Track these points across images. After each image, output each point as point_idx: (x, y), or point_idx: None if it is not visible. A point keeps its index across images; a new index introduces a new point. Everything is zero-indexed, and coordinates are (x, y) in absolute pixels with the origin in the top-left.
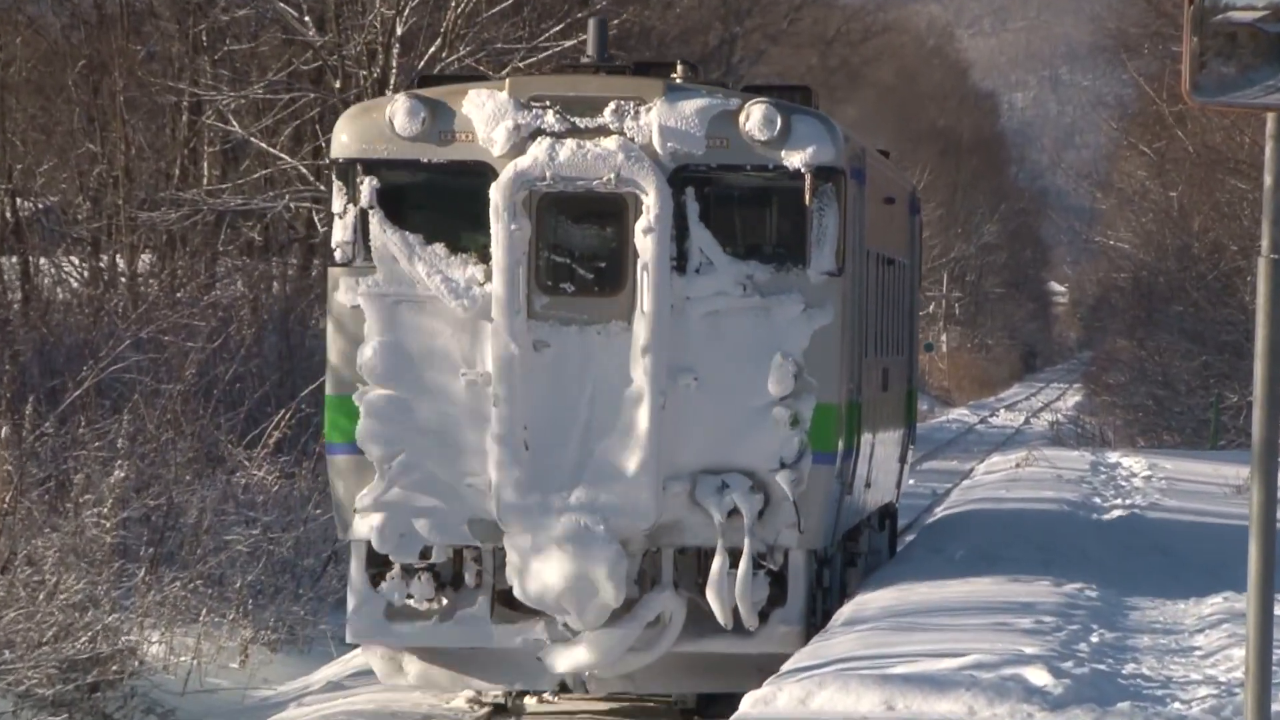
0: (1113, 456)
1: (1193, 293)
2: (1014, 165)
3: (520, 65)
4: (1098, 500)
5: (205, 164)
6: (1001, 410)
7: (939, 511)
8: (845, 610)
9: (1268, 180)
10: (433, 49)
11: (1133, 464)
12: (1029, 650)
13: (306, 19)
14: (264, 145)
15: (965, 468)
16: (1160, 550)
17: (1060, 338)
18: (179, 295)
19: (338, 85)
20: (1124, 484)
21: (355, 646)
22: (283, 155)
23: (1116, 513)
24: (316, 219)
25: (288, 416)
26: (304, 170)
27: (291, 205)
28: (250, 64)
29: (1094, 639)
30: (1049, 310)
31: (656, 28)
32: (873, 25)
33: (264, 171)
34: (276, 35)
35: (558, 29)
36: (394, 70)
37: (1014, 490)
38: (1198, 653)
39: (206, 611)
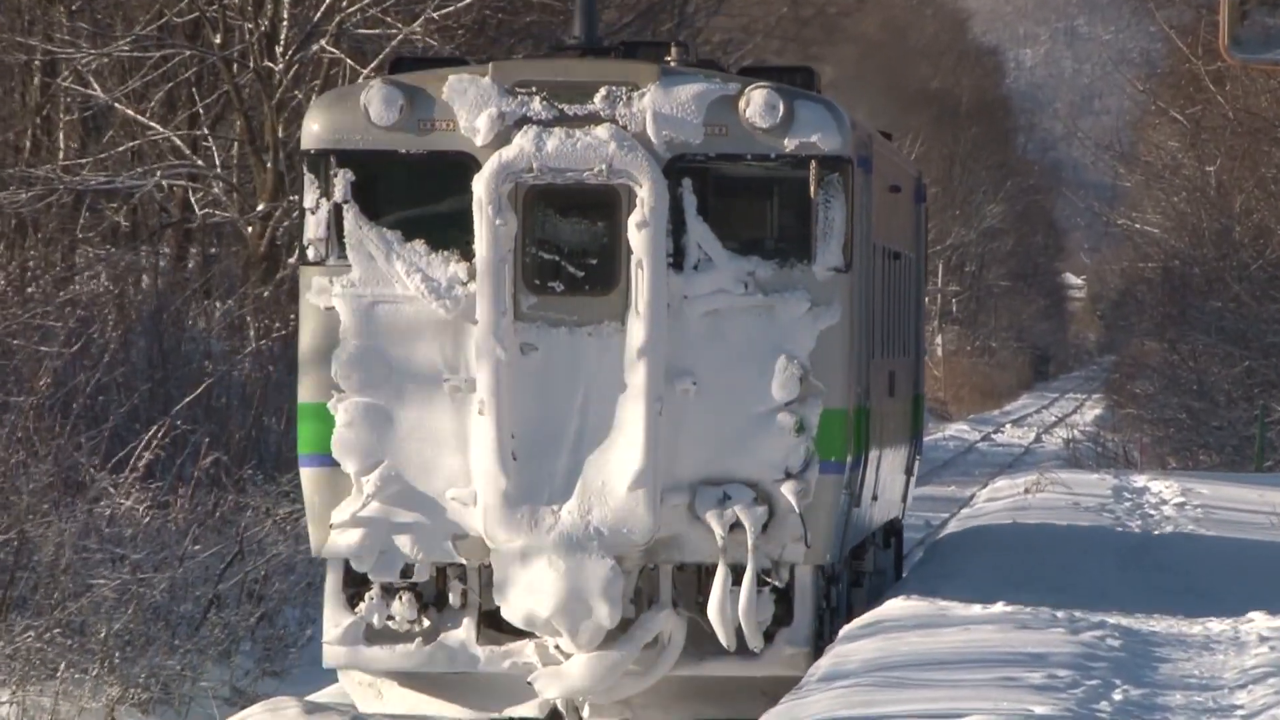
0: (1139, 480)
1: (1234, 286)
2: (1022, 134)
3: (434, 16)
4: (1121, 531)
5: (61, 135)
6: (1008, 426)
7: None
8: (823, 663)
9: None
10: None
11: (1163, 489)
12: (1040, 710)
13: None
14: (130, 112)
15: (965, 493)
16: (1195, 592)
17: (1077, 339)
18: (30, 291)
19: (218, 41)
20: (1153, 513)
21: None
22: (153, 124)
23: (1144, 547)
24: (193, 199)
25: (160, 435)
26: (178, 142)
27: (164, 184)
28: (114, 16)
29: (1117, 696)
30: (1063, 307)
31: None
32: None
33: (131, 144)
34: None
35: None
36: (284, 22)
37: (1023, 520)
38: (1239, 713)
39: (66, 666)
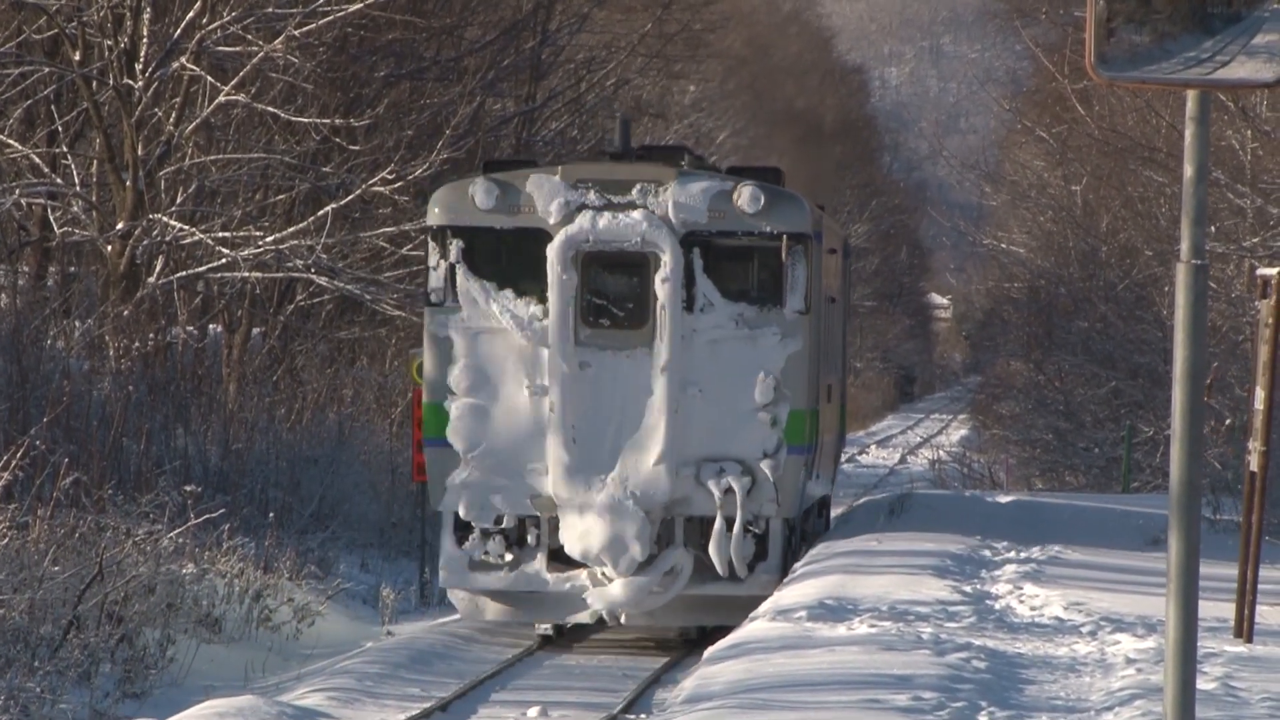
0: (1005, 500)
1: (1100, 306)
2: (887, 153)
3: (295, 33)
4: (987, 553)
5: None
6: (872, 447)
7: (798, 568)
8: (687, 685)
9: (1188, 171)
10: (191, 14)
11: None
12: None
13: None
14: None
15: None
16: (1059, 611)
17: (943, 360)
18: None
19: (77, 58)
20: None
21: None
22: (11, 141)
23: (1009, 568)
24: (52, 218)
25: (19, 455)
26: (37, 159)
27: (23, 202)
28: None
29: (983, 718)
30: (929, 327)
31: None
32: None
33: None
34: None
35: None
36: (144, 40)
37: (887, 542)
38: None
39: None
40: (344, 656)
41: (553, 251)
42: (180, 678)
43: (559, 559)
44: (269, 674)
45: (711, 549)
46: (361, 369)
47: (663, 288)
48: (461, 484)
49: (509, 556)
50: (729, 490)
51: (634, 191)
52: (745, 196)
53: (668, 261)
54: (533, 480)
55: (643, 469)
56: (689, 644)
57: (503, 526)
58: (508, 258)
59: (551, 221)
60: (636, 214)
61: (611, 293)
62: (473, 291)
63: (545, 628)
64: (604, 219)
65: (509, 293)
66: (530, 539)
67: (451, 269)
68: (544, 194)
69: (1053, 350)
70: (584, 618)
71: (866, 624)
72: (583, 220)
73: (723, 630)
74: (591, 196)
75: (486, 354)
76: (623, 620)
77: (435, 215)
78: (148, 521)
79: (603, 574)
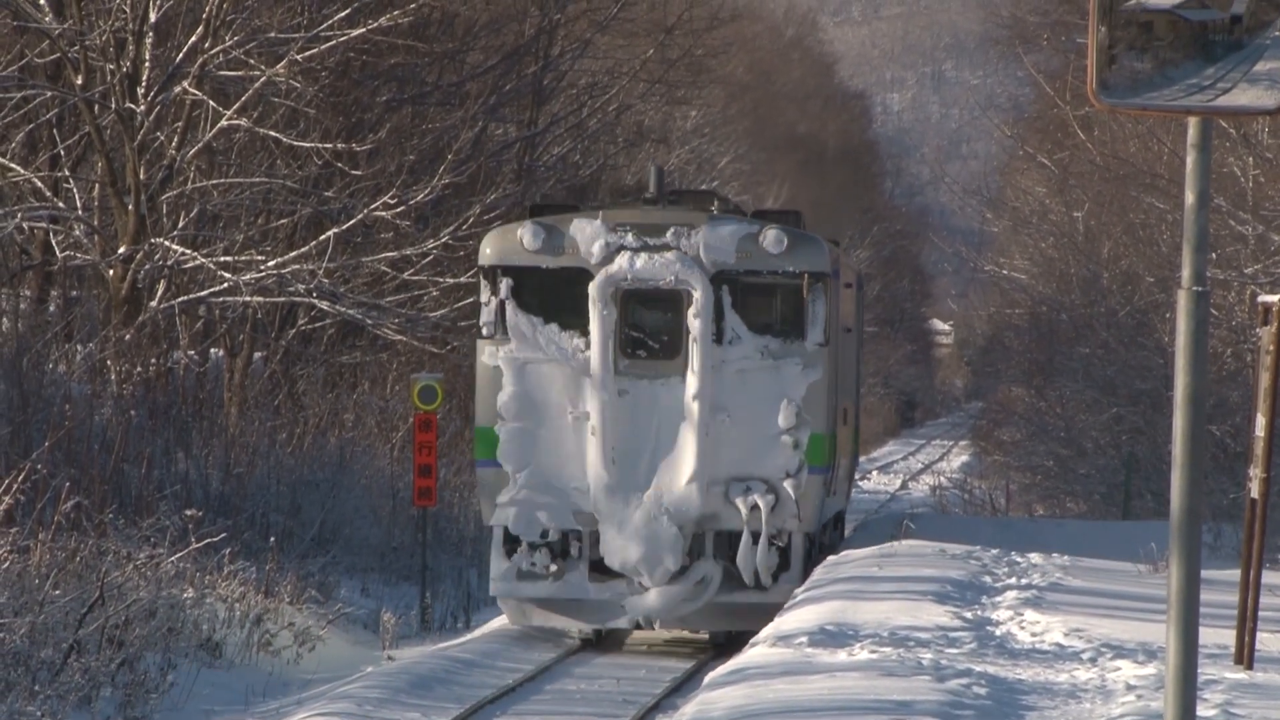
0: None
1: (1101, 332)
2: (889, 179)
3: (298, 58)
4: (988, 580)
5: None
6: (874, 472)
7: (799, 593)
8: (688, 711)
9: (1189, 198)
10: (193, 39)
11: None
12: None
13: (42, 2)
14: None
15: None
16: (1060, 638)
17: (944, 385)
18: None
19: (79, 82)
20: (1019, 560)
21: None
22: (14, 165)
23: (1010, 594)
24: (54, 242)
25: (21, 479)
26: (39, 183)
27: (25, 225)
28: None
29: None
30: (930, 353)
31: (461, 14)
32: (720, 11)
33: None
34: (5, 21)
35: (343, 15)
36: (146, 64)
37: (888, 568)
38: None
39: None
40: (344, 681)
41: (594, 289)
42: (181, 702)
43: (599, 569)
44: (269, 698)
45: (739, 560)
46: (362, 393)
47: (694, 322)
48: (510, 501)
49: (553, 567)
50: (755, 507)
51: (668, 234)
52: (770, 238)
53: (699, 298)
54: (576, 498)
55: (676, 487)
56: (697, 663)
57: (548, 540)
58: (553, 294)
59: (593, 261)
60: (670, 255)
61: (648, 326)
62: (521, 325)
63: (586, 632)
64: (641, 259)
65: (554, 326)
66: (573, 551)
67: (501, 305)
68: (586, 236)
69: (1054, 376)
70: (622, 623)
71: (867, 650)
72: (621, 260)
73: (747, 635)
74: (629, 238)
75: (533, 382)
76: (657, 626)
77: (487, 256)
78: (149, 545)
79: (639, 583)
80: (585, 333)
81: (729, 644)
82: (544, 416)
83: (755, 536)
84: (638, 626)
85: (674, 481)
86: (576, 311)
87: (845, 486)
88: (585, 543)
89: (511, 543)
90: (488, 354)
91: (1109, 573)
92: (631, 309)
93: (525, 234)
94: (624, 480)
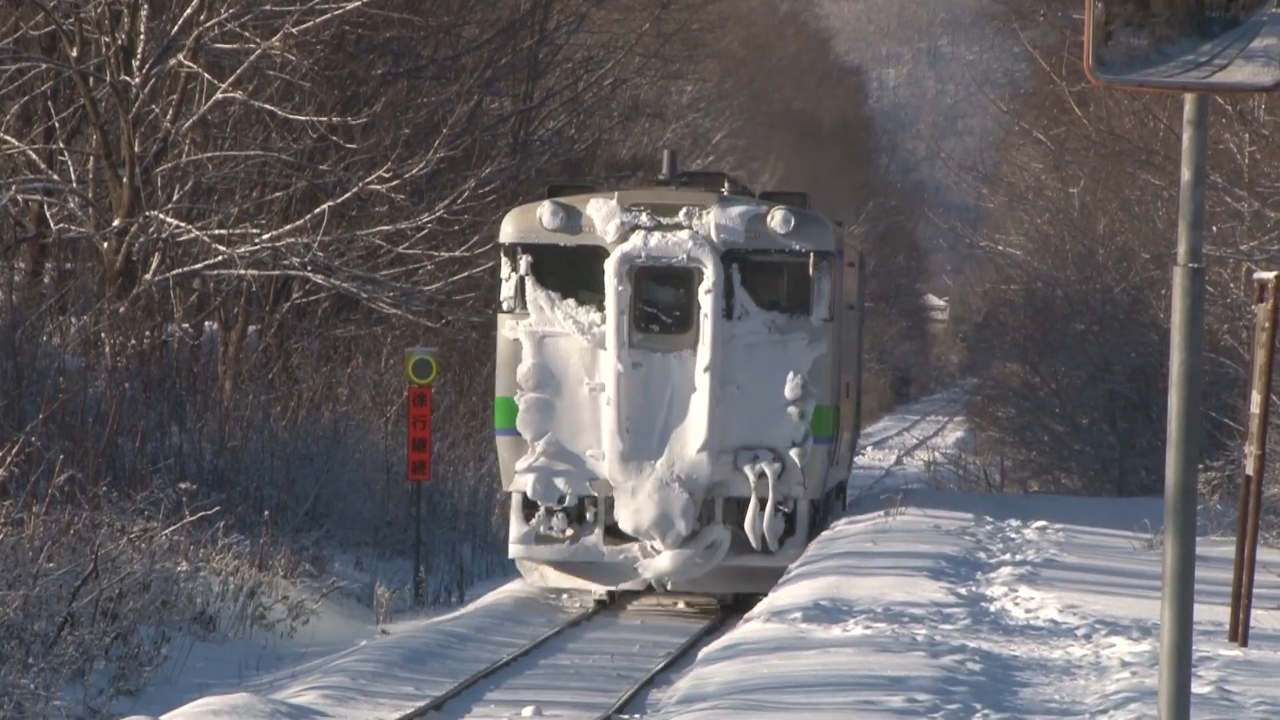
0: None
1: (1097, 308)
2: (884, 155)
3: (293, 31)
4: (982, 556)
5: None
6: (868, 448)
7: (793, 569)
8: (682, 686)
9: (1185, 174)
10: (188, 11)
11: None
12: None
13: None
14: None
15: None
16: (1054, 614)
17: (939, 361)
18: None
19: (74, 54)
20: (1014, 536)
21: None
22: (8, 138)
23: (1005, 570)
24: (49, 214)
25: (15, 451)
26: (34, 156)
27: (19, 198)
28: None
29: None
30: (925, 329)
31: None
32: None
33: None
34: None
35: None
36: (141, 36)
37: (882, 544)
38: None
39: None
40: (338, 655)
41: (610, 266)
42: (174, 675)
43: (614, 534)
44: (263, 672)
45: (747, 525)
46: (357, 367)
47: (705, 298)
48: (529, 468)
49: (570, 531)
50: (762, 475)
51: (681, 214)
52: (777, 219)
53: (710, 275)
54: (591, 465)
55: (687, 455)
56: (691, 638)
57: (564, 505)
58: (570, 271)
59: (609, 240)
60: (683, 234)
61: (661, 302)
62: (539, 300)
63: (601, 594)
64: (654, 238)
65: (571, 301)
66: (589, 516)
67: (521, 281)
68: (602, 216)
69: (1049, 353)
70: (635, 585)
71: (861, 625)
72: (636, 239)
73: (755, 598)
74: (644, 218)
75: (551, 355)
76: (669, 587)
77: (507, 234)
78: (143, 519)
79: (652, 547)
80: (601, 308)
81: (724, 619)
82: (561, 387)
83: (762, 503)
84: (649, 589)
85: (685, 450)
86: (593, 287)
87: (847, 457)
88: (600, 508)
89: (529, 507)
90: (508, 327)
91: (1103, 549)
92: (645, 285)
93: (544, 213)
94: (638, 448)
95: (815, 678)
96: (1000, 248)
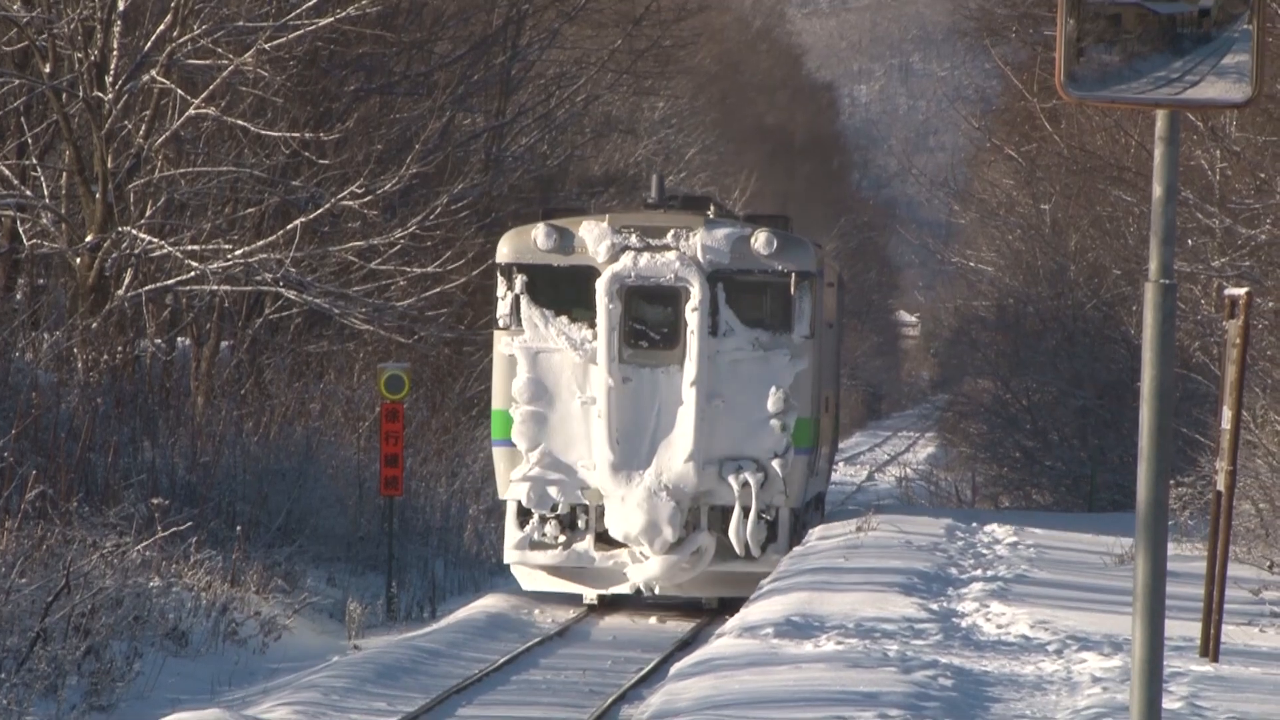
0: (972, 519)
1: (1068, 324)
2: (856, 171)
3: (266, 47)
4: (954, 571)
5: None
6: (840, 464)
7: (765, 584)
8: (654, 702)
9: (1157, 191)
10: (161, 28)
11: (996, 528)
12: None
13: None
14: None
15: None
16: (1026, 630)
17: (910, 377)
18: None
19: (47, 70)
20: (985, 552)
21: None
22: None
23: (976, 585)
24: (21, 230)
25: None
26: (6, 171)
27: None
28: None
29: None
30: (897, 344)
31: (430, 3)
32: (688, 2)
33: None
34: None
35: (311, 4)
36: (114, 52)
37: (854, 559)
38: None
39: None
40: (310, 670)
41: (601, 285)
42: (146, 691)
43: (604, 540)
44: (235, 687)
45: (731, 532)
46: (329, 383)
47: (692, 316)
48: (523, 477)
49: (562, 538)
50: (746, 484)
51: (668, 236)
52: (761, 240)
53: (696, 294)
54: (583, 474)
55: (674, 466)
56: (663, 654)
57: (557, 513)
58: (563, 290)
59: (600, 260)
60: (670, 255)
61: (649, 320)
62: (534, 318)
63: (592, 597)
64: (644, 258)
65: (564, 319)
66: (580, 523)
67: (516, 299)
68: (594, 237)
69: (1020, 368)
70: (624, 589)
71: (833, 641)
72: (626, 259)
73: (739, 602)
74: (633, 240)
75: (545, 370)
76: (657, 591)
77: (503, 254)
78: (115, 534)
79: (640, 553)
80: (593, 325)
81: (699, 632)
82: (555, 400)
83: (746, 511)
84: (637, 592)
85: (672, 460)
86: (585, 305)
87: (826, 469)
88: (591, 515)
89: (524, 515)
90: (503, 343)
91: (1075, 565)
92: (635, 304)
93: (538, 235)
94: (627, 459)
95: (787, 693)
96: (972, 264)
